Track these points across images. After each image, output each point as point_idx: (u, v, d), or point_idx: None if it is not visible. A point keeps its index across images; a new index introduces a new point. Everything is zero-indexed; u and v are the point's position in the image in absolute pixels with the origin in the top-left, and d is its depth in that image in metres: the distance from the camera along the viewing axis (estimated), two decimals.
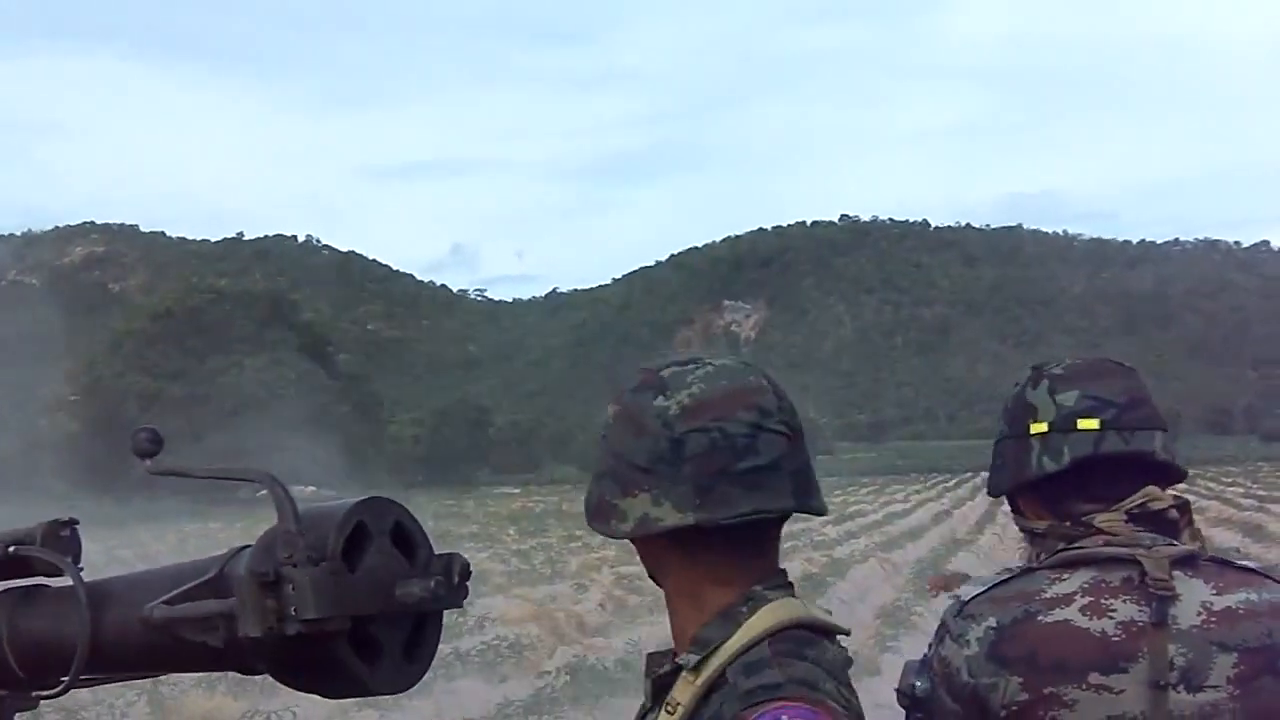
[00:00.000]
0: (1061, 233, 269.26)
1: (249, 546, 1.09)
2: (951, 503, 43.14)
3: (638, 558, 1.47)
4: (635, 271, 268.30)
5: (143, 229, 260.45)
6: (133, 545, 29.77)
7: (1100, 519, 1.86)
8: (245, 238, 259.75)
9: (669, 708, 1.36)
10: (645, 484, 1.37)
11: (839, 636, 1.40)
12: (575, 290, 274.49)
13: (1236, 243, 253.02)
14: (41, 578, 1.18)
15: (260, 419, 70.92)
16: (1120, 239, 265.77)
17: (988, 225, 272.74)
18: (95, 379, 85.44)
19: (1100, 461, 1.87)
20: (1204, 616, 1.78)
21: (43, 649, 1.15)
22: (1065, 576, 1.83)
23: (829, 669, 1.33)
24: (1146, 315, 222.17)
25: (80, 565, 1.15)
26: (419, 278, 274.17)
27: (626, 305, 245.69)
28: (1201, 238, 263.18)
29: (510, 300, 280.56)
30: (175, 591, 1.08)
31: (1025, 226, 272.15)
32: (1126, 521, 1.85)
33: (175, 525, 41.61)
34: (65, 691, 1.16)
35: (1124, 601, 1.79)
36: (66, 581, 1.14)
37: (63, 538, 1.17)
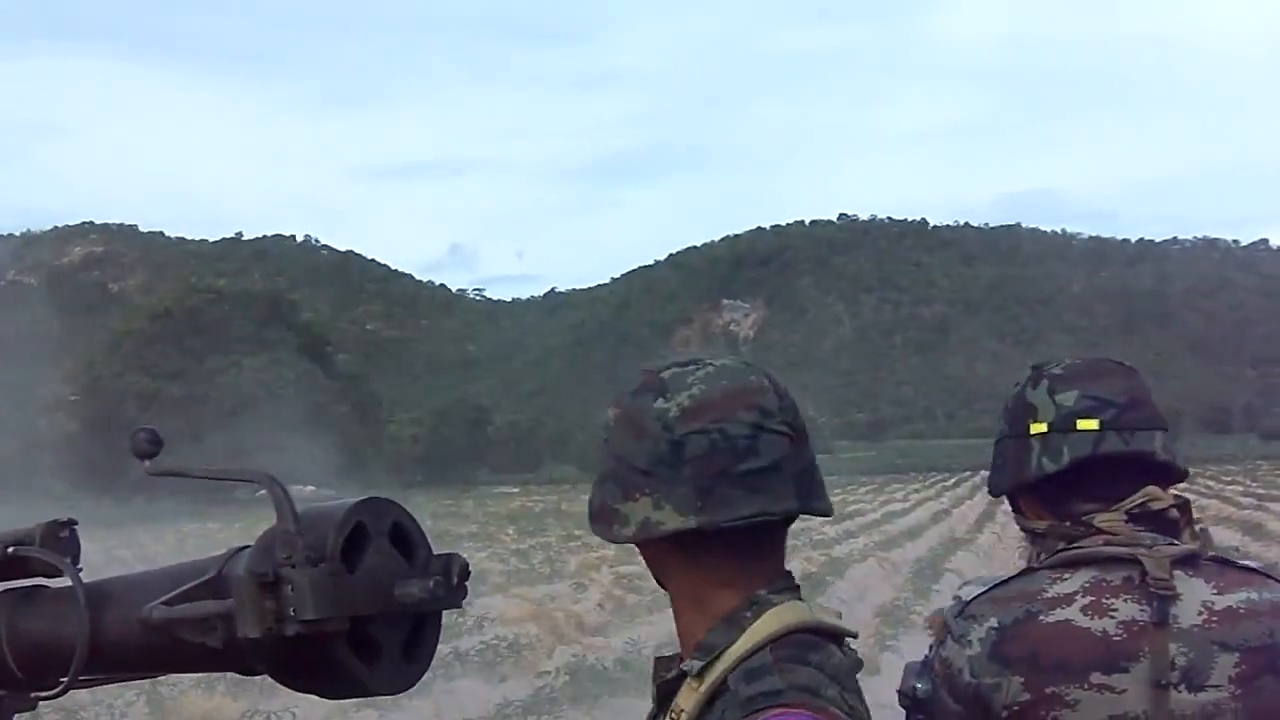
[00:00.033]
0: (1060, 231, 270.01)
1: (248, 547, 1.09)
2: (951, 501, 43.19)
3: (637, 557, 1.46)
4: (634, 271, 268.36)
5: (141, 229, 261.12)
6: (132, 546, 29.75)
7: (1100, 519, 1.86)
8: (244, 238, 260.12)
9: (673, 714, 1.35)
10: (646, 487, 1.35)
11: (848, 640, 1.38)
12: (574, 290, 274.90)
13: (1235, 241, 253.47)
14: (40, 578, 1.18)
15: (259, 419, 70.98)
16: (1119, 238, 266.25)
17: (986, 224, 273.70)
18: (94, 379, 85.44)
19: (1100, 462, 1.87)
20: (1205, 616, 1.78)
21: (42, 650, 1.14)
22: (1066, 576, 1.83)
23: (833, 674, 1.31)
24: (1145, 314, 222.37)
25: (79, 566, 1.15)
26: (418, 277, 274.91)
27: (625, 305, 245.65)
28: (1200, 236, 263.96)
29: (509, 300, 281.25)
30: (174, 592, 1.08)
31: (1024, 225, 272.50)
32: (1127, 521, 1.85)
33: (174, 526, 41.55)
34: (64, 692, 1.16)
35: (1125, 601, 1.79)
36: (65, 582, 1.14)
37: (62, 538, 1.17)
